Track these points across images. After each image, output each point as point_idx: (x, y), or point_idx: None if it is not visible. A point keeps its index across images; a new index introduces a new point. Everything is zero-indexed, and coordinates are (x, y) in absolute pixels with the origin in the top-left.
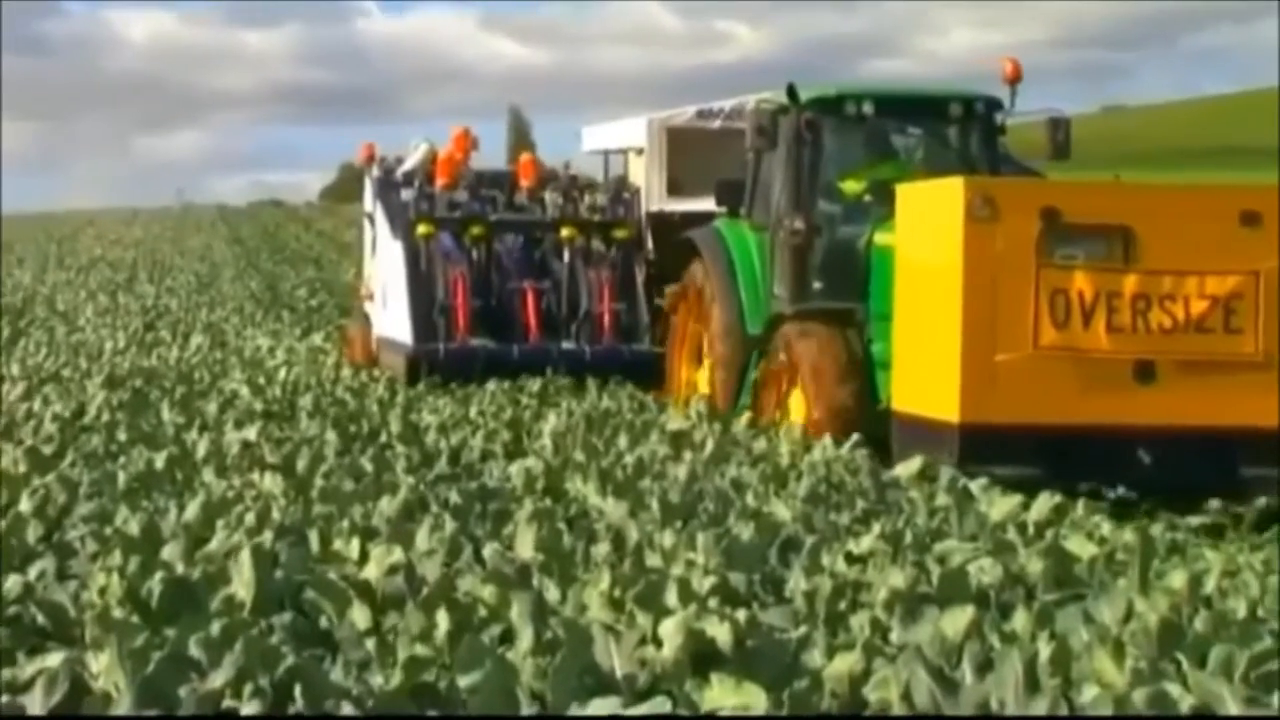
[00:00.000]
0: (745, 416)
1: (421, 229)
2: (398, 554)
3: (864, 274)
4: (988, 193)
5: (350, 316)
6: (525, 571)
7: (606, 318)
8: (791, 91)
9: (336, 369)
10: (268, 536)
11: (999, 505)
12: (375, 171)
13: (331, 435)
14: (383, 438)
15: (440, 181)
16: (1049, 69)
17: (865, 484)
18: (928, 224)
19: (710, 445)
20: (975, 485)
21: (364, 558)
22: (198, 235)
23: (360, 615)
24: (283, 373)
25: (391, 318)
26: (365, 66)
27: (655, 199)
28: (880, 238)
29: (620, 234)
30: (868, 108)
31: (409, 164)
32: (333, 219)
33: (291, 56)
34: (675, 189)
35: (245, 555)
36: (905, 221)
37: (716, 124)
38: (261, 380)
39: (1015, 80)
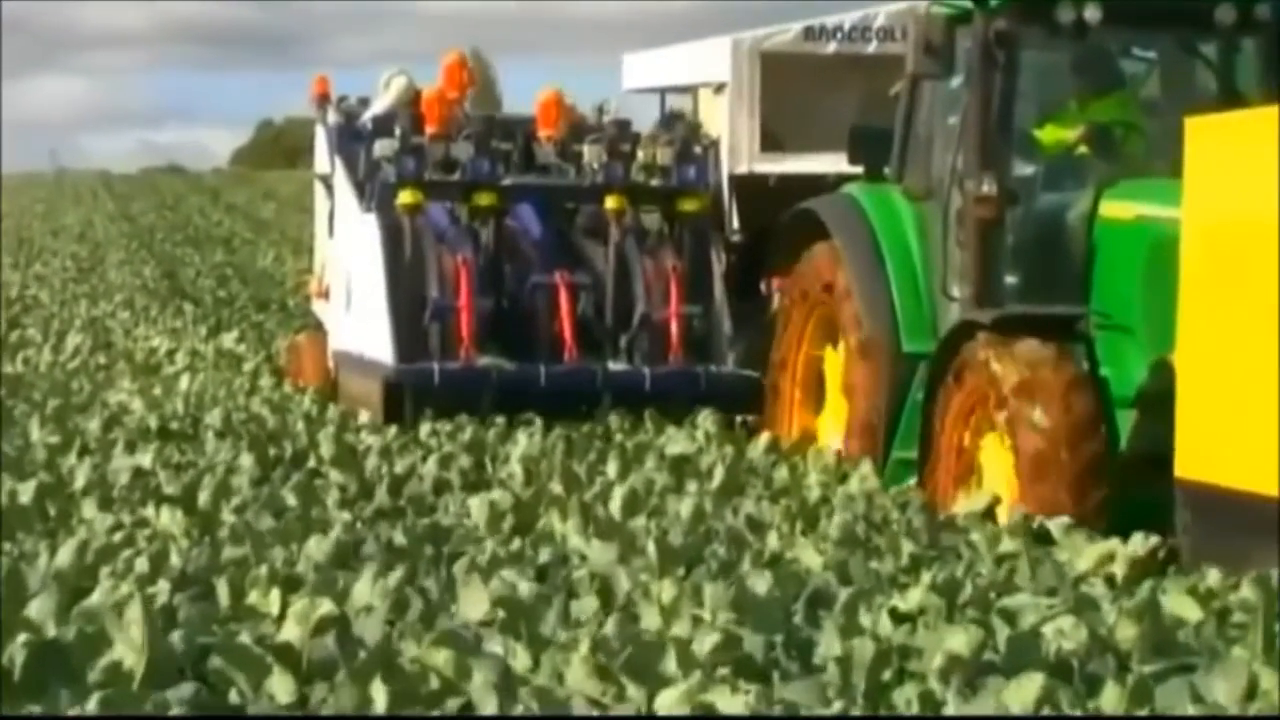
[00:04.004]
0: (764, 437)
1: (406, 197)
2: (328, 609)
3: (1084, 263)
4: None
5: (285, 320)
6: (487, 632)
7: (673, 326)
8: None
9: (252, 377)
10: (164, 588)
11: (1083, 552)
12: (332, 116)
13: (246, 460)
14: (310, 463)
15: (428, 130)
16: None
17: (915, 523)
18: (1247, 179)
19: (720, 474)
20: (1054, 526)
21: (285, 614)
22: (75, 209)
23: (281, 686)
24: (184, 381)
25: (359, 325)
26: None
27: (743, 156)
28: (1110, 209)
29: (690, 206)
30: (1092, 13)
31: (380, 105)
32: (247, 189)
33: None
34: (772, 141)
35: (135, 611)
36: (1202, 174)
37: (832, 47)
38: (157, 391)
39: None
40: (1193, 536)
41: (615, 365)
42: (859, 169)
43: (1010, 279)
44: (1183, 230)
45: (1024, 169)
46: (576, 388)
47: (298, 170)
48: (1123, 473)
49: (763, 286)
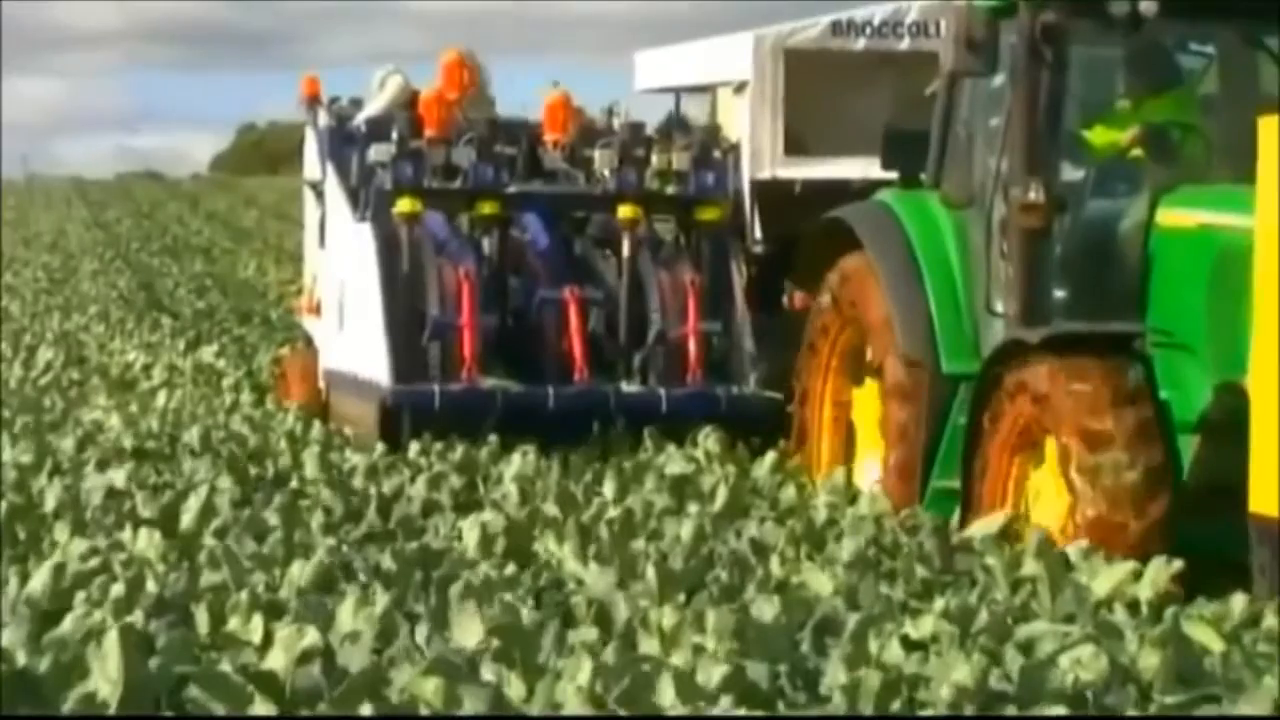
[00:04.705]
0: (769, 458)
1: (403, 206)
2: (312, 637)
3: (1140, 276)
4: None
5: (268, 333)
6: (479, 660)
7: (691, 344)
8: None
9: (234, 392)
10: (140, 615)
11: (1104, 576)
12: (323, 119)
13: (226, 481)
14: (293, 484)
15: (427, 133)
16: None
17: (927, 546)
18: None
19: (723, 494)
20: (1073, 550)
21: (268, 642)
22: (48, 216)
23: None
24: (161, 398)
25: (353, 343)
26: None
27: (765, 161)
28: (1169, 217)
29: (709, 215)
30: (1147, 5)
31: (375, 107)
32: (228, 196)
33: None
34: (797, 145)
35: (110, 639)
36: (1277, 178)
37: (861, 44)
38: (133, 408)
39: None
40: (1270, 577)
41: (629, 386)
42: (892, 174)
43: (1059, 293)
44: (1256, 240)
45: (1073, 174)
46: (587, 411)
47: (280, 176)
48: (1185, 503)
49: (786, 301)
